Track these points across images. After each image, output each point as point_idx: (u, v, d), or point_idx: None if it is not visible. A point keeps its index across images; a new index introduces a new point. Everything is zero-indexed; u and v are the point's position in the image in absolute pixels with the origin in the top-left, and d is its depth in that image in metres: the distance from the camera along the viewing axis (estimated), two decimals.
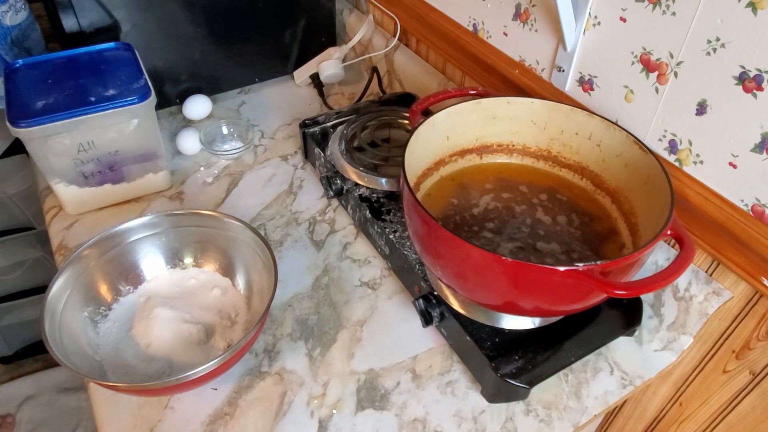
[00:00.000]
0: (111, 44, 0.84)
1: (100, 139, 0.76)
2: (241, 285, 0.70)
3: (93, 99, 0.74)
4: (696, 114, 0.58)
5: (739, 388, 0.64)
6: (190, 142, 0.93)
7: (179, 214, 0.70)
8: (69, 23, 0.87)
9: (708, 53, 0.55)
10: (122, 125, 0.76)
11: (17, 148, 1.17)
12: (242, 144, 0.97)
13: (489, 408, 0.62)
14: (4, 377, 1.48)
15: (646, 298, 0.69)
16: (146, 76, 0.79)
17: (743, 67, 0.52)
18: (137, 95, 0.75)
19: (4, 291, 1.36)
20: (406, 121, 0.90)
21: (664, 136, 0.62)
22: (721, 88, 0.55)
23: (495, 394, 0.61)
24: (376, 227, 0.75)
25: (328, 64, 1.08)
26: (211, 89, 1.05)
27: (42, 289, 0.60)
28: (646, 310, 0.68)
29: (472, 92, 0.71)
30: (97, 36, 0.89)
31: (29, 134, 0.71)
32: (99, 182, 0.80)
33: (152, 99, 0.77)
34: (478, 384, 0.63)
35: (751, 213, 0.56)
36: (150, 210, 0.84)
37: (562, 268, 0.47)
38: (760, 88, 0.51)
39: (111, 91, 0.75)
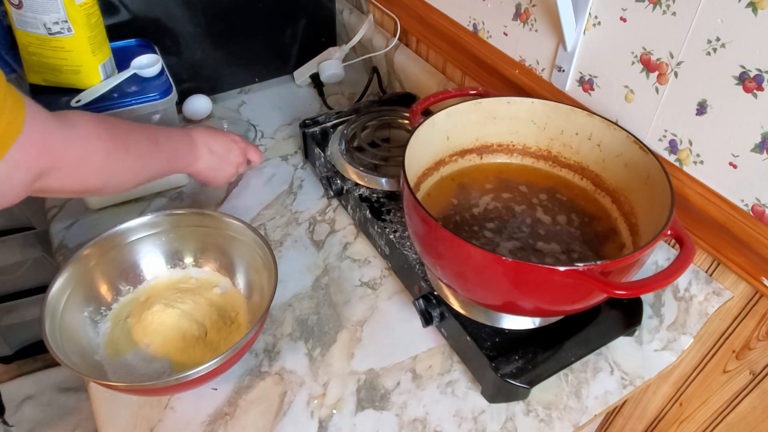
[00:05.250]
0: (132, 41, 0.86)
1: None
2: (242, 285, 0.70)
3: (116, 95, 0.75)
4: (696, 114, 0.58)
5: (739, 388, 0.64)
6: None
7: (179, 214, 0.70)
8: None
9: (708, 53, 0.55)
10: (144, 121, 0.77)
11: None
12: None
13: (489, 408, 0.62)
14: (4, 377, 1.47)
15: (646, 298, 0.69)
16: (167, 72, 0.80)
17: (743, 67, 0.52)
18: (159, 91, 0.76)
19: (4, 291, 1.36)
20: (406, 121, 0.90)
21: (665, 136, 0.62)
22: (721, 88, 0.55)
23: (495, 394, 0.61)
24: (376, 227, 0.75)
25: (328, 64, 1.08)
26: (211, 89, 1.05)
27: (42, 289, 0.60)
28: (646, 310, 0.68)
29: (472, 92, 0.71)
30: None
31: None
32: None
33: (173, 95, 0.78)
34: (478, 384, 0.63)
35: (751, 213, 0.56)
36: (150, 210, 0.84)
37: (562, 268, 0.47)
38: (760, 88, 0.51)
39: (133, 87, 0.77)
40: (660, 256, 0.65)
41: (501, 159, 0.74)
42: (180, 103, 1.02)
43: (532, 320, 0.64)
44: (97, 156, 0.55)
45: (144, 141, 0.61)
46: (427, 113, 0.67)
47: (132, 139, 0.59)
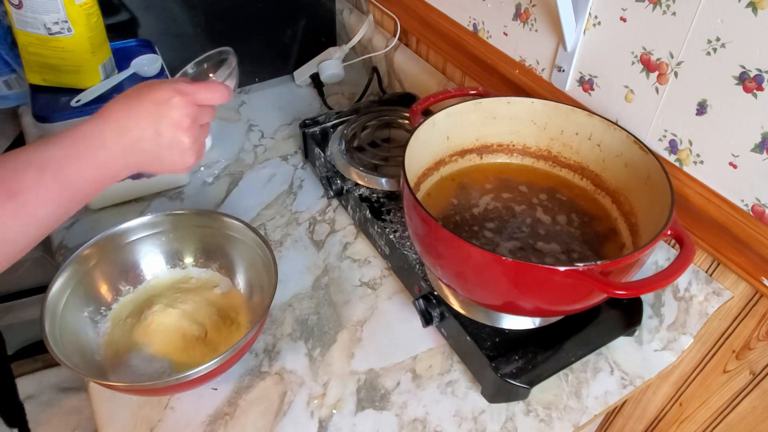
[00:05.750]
0: (132, 41, 0.86)
1: None
2: (242, 285, 0.70)
3: (115, 95, 0.75)
4: (696, 114, 0.58)
5: (739, 388, 0.64)
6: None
7: (179, 214, 0.70)
8: None
9: (708, 53, 0.55)
10: None
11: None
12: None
13: (489, 408, 0.62)
14: None
15: (646, 298, 0.69)
16: (167, 72, 0.81)
17: (743, 67, 0.52)
18: None
19: (4, 291, 1.36)
20: (406, 121, 0.90)
21: (665, 136, 0.62)
22: (721, 88, 0.55)
23: (495, 394, 0.61)
24: (376, 227, 0.75)
25: (328, 64, 1.08)
26: None
27: (42, 289, 0.60)
28: (646, 310, 0.68)
29: (472, 92, 0.71)
30: None
31: (55, 130, 0.71)
32: None
33: None
34: (478, 384, 0.63)
35: (751, 213, 0.56)
36: (150, 210, 0.84)
37: (562, 268, 0.47)
38: (760, 88, 0.51)
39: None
40: (660, 256, 0.65)
41: (501, 159, 0.74)
42: None
43: (532, 320, 0.64)
44: None
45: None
46: (427, 113, 0.67)
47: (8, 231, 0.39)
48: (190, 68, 0.60)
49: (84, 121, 0.46)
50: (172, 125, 0.48)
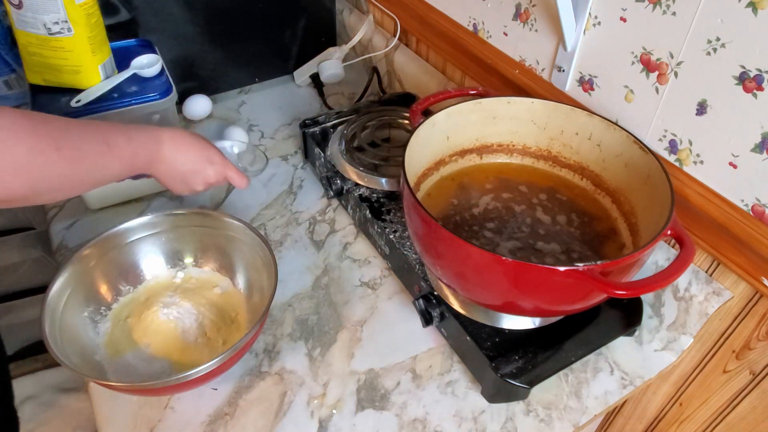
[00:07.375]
0: (132, 41, 0.86)
1: None
2: (242, 285, 0.70)
3: (116, 95, 0.75)
4: (696, 114, 0.58)
5: (739, 388, 0.64)
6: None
7: (179, 214, 0.70)
8: None
9: (708, 53, 0.55)
10: (143, 121, 0.77)
11: None
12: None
13: (489, 408, 0.62)
14: None
15: (646, 298, 0.69)
16: (167, 72, 0.80)
17: (743, 67, 0.52)
18: (158, 91, 0.76)
19: (4, 291, 1.36)
20: (406, 121, 0.90)
21: (665, 136, 0.62)
22: (721, 88, 0.55)
23: (495, 394, 0.61)
24: (376, 227, 0.75)
25: (328, 64, 1.08)
26: (211, 89, 1.05)
27: (42, 289, 0.60)
28: (646, 310, 0.68)
29: (472, 92, 0.71)
30: None
31: None
32: None
33: (173, 95, 0.78)
34: (478, 384, 0.63)
35: (751, 213, 0.56)
36: (150, 210, 0.84)
37: (562, 268, 0.47)
38: (760, 88, 0.51)
39: (133, 88, 0.77)
40: (660, 256, 0.65)
41: (501, 159, 0.74)
42: (180, 103, 1.02)
43: (532, 320, 0.64)
44: (15, 155, 0.46)
45: (88, 142, 0.53)
46: (427, 113, 0.67)
47: (69, 139, 0.51)
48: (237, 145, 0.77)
49: (154, 136, 0.60)
50: (196, 180, 0.65)
